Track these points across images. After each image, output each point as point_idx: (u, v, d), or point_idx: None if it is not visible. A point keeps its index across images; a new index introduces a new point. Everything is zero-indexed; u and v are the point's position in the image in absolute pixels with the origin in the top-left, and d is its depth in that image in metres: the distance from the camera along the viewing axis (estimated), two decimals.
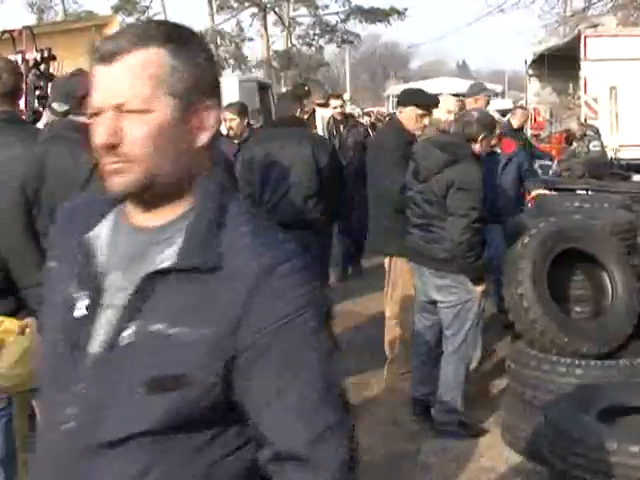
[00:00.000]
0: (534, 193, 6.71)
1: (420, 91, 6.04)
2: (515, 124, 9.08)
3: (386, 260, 6.04)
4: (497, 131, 6.50)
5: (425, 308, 5.32)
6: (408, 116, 5.74)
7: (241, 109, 7.65)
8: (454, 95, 7.44)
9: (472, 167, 4.95)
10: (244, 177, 5.83)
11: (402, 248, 5.43)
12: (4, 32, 8.10)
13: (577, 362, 4.55)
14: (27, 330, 3.00)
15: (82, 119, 3.28)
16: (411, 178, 5.16)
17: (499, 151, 6.75)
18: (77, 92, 3.36)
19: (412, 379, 5.48)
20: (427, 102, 5.71)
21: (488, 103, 7.76)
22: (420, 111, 5.66)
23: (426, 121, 5.67)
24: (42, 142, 3.39)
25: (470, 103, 7.29)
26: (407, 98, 5.88)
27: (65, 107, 3.44)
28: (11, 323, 3.02)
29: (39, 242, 3.12)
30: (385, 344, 6.11)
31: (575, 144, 12.14)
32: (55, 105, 3.49)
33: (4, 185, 3.17)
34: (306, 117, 7.91)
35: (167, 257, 1.49)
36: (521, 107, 11.76)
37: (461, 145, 5.01)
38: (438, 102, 5.93)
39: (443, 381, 5.13)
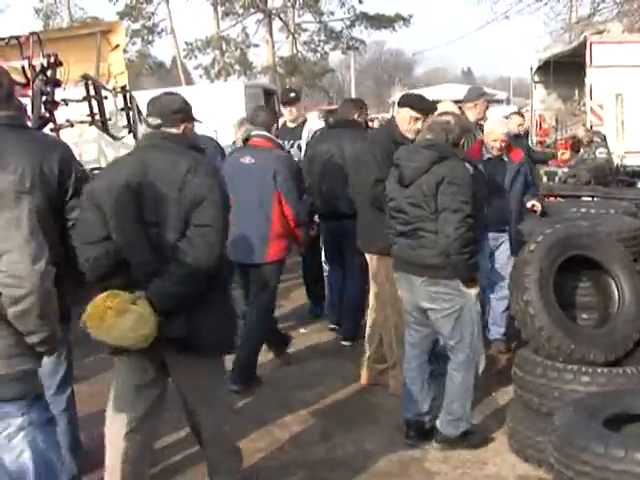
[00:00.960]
0: (529, 204, 6.67)
1: (419, 96, 6.01)
2: (513, 130, 9.03)
3: (368, 257, 6.03)
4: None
5: (416, 320, 5.12)
6: (402, 117, 5.72)
7: None
8: (457, 102, 7.38)
9: (460, 164, 4.90)
10: (307, 169, 7.25)
11: (384, 247, 5.39)
12: (11, 38, 8.13)
13: (584, 369, 4.54)
14: (138, 300, 3.71)
15: (173, 130, 4.02)
16: (395, 185, 5.00)
17: (505, 158, 6.72)
18: (168, 109, 4.04)
19: (403, 398, 5.28)
20: (421, 106, 5.70)
21: (487, 108, 7.71)
22: (414, 113, 5.64)
23: (419, 125, 5.66)
24: (142, 150, 4.05)
25: (469, 108, 7.25)
26: (404, 100, 5.87)
27: (158, 121, 4.05)
28: (126, 295, 3.72)
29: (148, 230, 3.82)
30: (365, 339, 6.12)
31: (582, 150, 12.13)
32: (150, 119, 4.12)
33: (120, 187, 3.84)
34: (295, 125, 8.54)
35: None
36: (518, 113, 11.76)
37: (446, 146, 4.93)
38: (435, 108, 5.92)
39: (450, 389, 5.03)
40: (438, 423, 5.07)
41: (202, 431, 4.14)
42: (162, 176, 3.80)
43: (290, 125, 8.54)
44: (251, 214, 6.04)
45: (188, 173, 3.77)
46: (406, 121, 5.68)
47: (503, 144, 6.61)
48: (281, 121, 8.13)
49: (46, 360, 3.89)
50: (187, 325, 3.79)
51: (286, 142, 7.99)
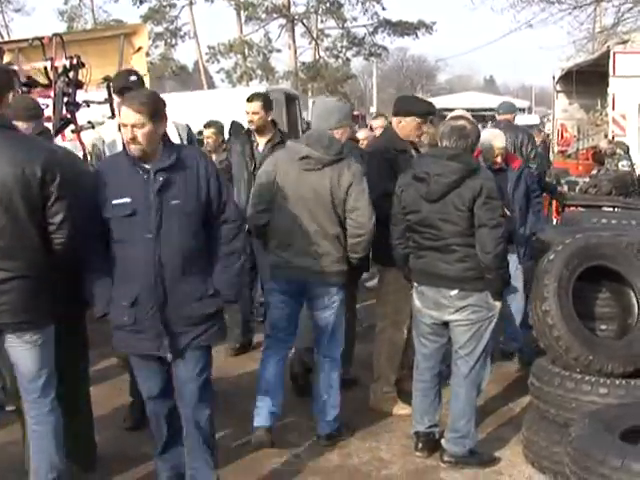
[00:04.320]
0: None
1: (417, 101, 5.95)
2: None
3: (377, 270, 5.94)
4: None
5: (433, 331, 5.00)
6: (409, 126, 5.62)
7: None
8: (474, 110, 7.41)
9: (490, 176, 4.82)
10: None
11: (390, 258, 5.28)
12: (34, 39, 8.18)
13: (602, 381, 4.50)
14: None
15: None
16: (417, 199, 4.82)
17: (504, 167, 6.70)
18: None
19: (414, 410, 5.18)
20: (427, 110, 5.67)
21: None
22: (419, 120, 5.61)
23: (424, 128, 5.63)
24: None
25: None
26: (404, 109, 5.70)
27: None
28: None
29: None
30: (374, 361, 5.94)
31: (607, 162, 12.06)
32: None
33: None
34: None
35: None
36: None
37: (470, 156, 4.84)
38: (435, 110, 5.88)
39: (454, 406, 4.97)
40: (444, 441, 4.99)
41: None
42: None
43: None
44: None
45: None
46: (414, 129, 5.63)
47: (501, 157, 6.59)
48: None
49: (29, 364, 4.01)
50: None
51: None
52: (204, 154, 4.51)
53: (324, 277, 5.08)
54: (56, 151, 4.26)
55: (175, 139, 4.49)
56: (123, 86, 5.42)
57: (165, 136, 4.14)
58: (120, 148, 4.98)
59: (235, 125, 9.25)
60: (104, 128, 8.20)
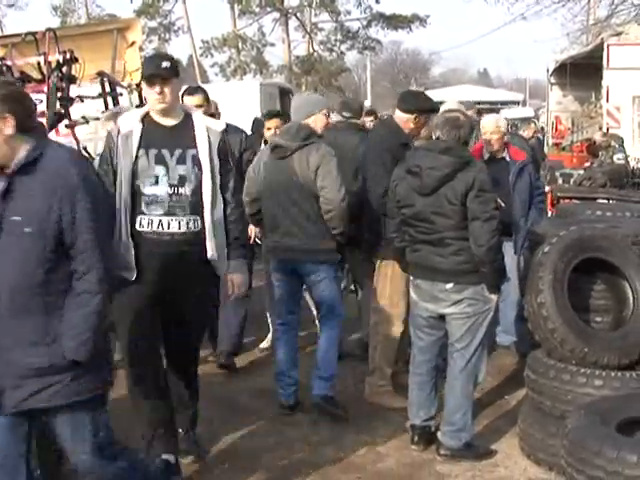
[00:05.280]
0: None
1: (422, 97, 5.90)
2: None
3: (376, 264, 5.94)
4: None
5: (429, 324, 5.00)
6: (407, 119, 5.61)
7: None
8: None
9: (483, 168, 4.80)
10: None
11: (388, 252, 5.36)
12: (27, 34, 8.14)
13: (597, 373, 4.51)
14: None
15: (355, 121, 6.73)
16: (411, 192, 4.82)
17: (507, 157, 6.70)
18: (355, 106, 6.93)
19: (411, 404, 5.18)
20: (430, 107, 5.66)
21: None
22: (420, 115, 5.60)
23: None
24: (332, 131, 6.15)
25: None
26: (408, 105, 5.66)
27: (349, 114, 6.71)
28: None
29: None
30: (369, 353, 5.98)
31: (601, 154, 12.07)
32: (344, 113, 6.71)
33: None
34: None
35: None
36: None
37: (462, 148, 4.83)
38: (438, 108, 5.88)
39: (450, 399, 4.96)
40: (440, 435, 4.99)
41: None
42: (346, 149, 5.91)
43: None
44: None
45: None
46: (411, 123, 5.61)
47: (496, 137, 6.59)
48: None
49: None
50: None
51: None
52: (84, 160, 4.07)
53: (311, 255, 5.50)
54: None
55: None
56: None
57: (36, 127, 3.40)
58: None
59: (257, 122, 9.16)
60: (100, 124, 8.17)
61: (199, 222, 4.32)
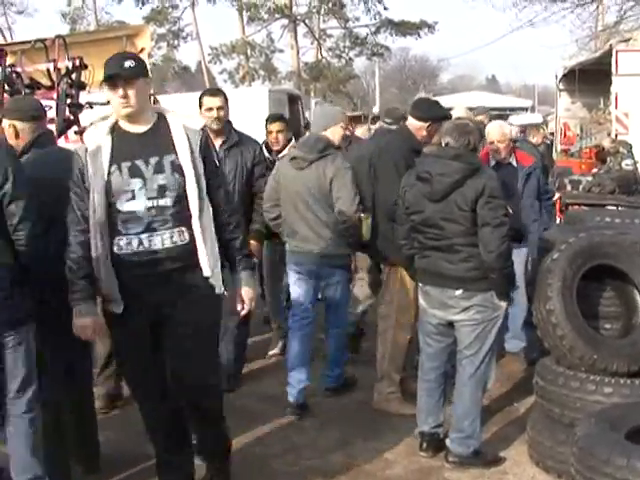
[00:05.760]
0: None
1: (435, 106, 5.87)
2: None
3: (385, 269, 5.94)
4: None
5: (438, 331, 4.99)
6: (419, 127, 5.60)
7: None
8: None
9: (493, 175, 4.81)
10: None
11: (397, 258, 5.35)
12: (37, 41, 8.19)
13: (606, 380, 4.49)
14: None
15: (393, 127, 6.35)
16: (420, 199, 4.82)
17: (514, 163, 6.69)
18: (398, 114, 6.60)
19: (419, 410, 5.16)
20: (442, 115, 5.66)
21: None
22: (434, 124, 5.59)
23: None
24: (376, 137, 6.66)
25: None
26: (422, 113, 5.65)
27: (390, 120, 6.56)
28: None
29: None
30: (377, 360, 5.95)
31: (609, 160, 12.05)
32: (387, 120, 6.65)
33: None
34: None
35: None
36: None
37: (472, 155, 4.82)
38: (450, 117, 5.87)
39: (459, 406, 4.95)
40: (448, 442, 4.98)
41: None
42: (385, 151, 5.65)
43: None
44: None
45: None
46: (424, 131, 5.60)
47: (502, 146, 6.58)
48: None
49: (9, 364, 3.83)
50: None
51: None
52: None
53: (328, 259, 5.78)
54: (11, 152, 4.01)
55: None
56: None
57: None
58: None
59: None
60: None
61: (185, 234, 3.92)
